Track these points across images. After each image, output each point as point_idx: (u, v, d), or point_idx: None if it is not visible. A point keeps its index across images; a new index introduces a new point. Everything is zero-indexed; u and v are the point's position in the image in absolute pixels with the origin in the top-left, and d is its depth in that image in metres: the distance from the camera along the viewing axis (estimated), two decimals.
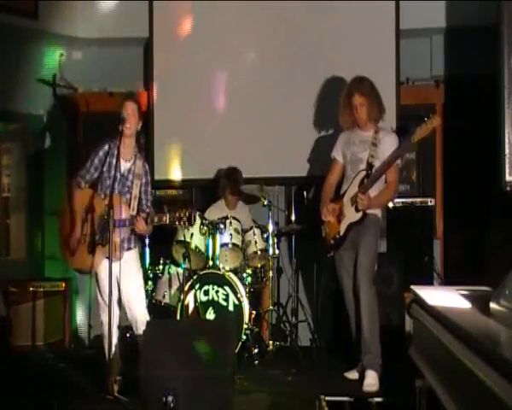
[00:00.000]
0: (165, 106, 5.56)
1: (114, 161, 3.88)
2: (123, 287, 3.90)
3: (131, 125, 3.89)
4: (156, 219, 3.82)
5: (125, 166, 3.92)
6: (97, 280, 3.92)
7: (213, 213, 5.07)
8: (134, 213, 3.90)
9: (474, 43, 5.14)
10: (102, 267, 3.83)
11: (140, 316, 3.93)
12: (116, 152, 3.85)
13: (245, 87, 5.49)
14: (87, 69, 5.84)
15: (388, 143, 4.11)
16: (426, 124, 3.84)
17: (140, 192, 3.97)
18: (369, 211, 4.07)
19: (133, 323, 3.98)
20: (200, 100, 5.52)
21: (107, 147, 3.93)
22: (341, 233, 4.15)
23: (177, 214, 3.74)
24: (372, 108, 4.13)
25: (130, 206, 3.90)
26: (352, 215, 4.10)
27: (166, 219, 3.77)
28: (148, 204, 4.05)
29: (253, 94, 5.47)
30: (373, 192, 4.06)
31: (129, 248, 3.95)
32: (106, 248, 3.69)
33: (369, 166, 4.09)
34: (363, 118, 4.14)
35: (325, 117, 5.23)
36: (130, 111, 3.89)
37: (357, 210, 4.07)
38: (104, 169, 3.91)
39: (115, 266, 3.66)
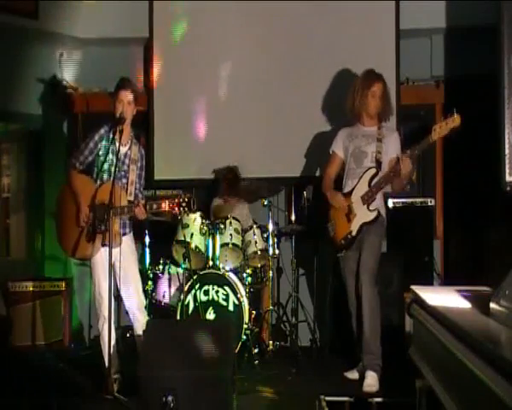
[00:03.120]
0: (165, 106, 5.56)
1: (110, 146, 3.85)
2: (119, 271, 3.86)
3: (128, 115, 3.89)
4: (155, 206, 3.78)
5: (121, 150, 3.89)
6: (92, 269, 3.90)
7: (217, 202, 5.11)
8: (131, 198, 3.90)
9: (474, 43, 5.14)
10: (99, 256, 3.83)
11: (137, 303, 3.95)
12: (112, 136, 3.84)
13: (245, 87, 5.48)
14: (87, 69, 5.84)
15: (392, 143, 4.12)
16: (446, 123, 3.74)
17: (134, 176, 3.98)
18: (379, 210, 4.05)
19: (129, 310, 3.97)
20: (200, 100, 5.51)
21: (102, 131, 3.93)
22: (354, 233, 4.08)
23: (176, 200, 3.70)
24: (387, 102, 4.14)
25: (127, 191, 3.90)
26: (364, 215, 4.05)
27: (166, 205, 3.73)
28: (141, 189, 4.06)
29: (253, 94, 5.46)
30: (379, 194, 4.06)
31: (124, 234, 3.95)
32: (104, 235, 3.69)
33: (378, 162, 4.05)
34: (377, 107, 4.11)
35: (325, 117, 5.23)
36: (126, 102, 3.89)
37: (369, 209, 4.03)
38: (100, 153, 3.91)
39: (112, 253, 3.65)
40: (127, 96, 3.90)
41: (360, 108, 4.16)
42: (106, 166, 3.88)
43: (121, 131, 3.83)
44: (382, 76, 4.18)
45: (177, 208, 3.70)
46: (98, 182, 3.89)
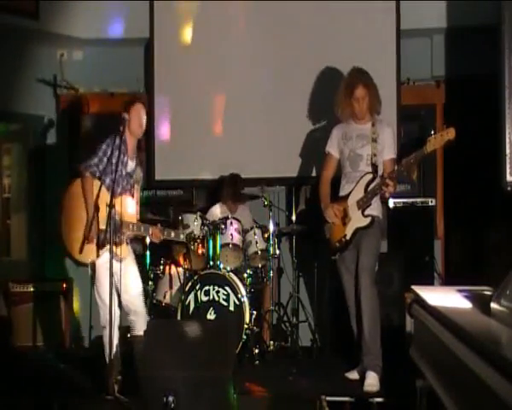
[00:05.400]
0: (165, 106, 5.56)
1: (122, 157, 3.83)
2: (121, 278, 3.87)
3: (144, 128, 3.96)
4: (173, 235, 3.92)
5: (129, 164, 3.94)
6: (96, 277, 3.89)
7: (214, 215, 5.07)
8: (138, 216, 3.95)
9: (474, 43, 5.14)
10: (103, 259, 3.81)
11: (139, 304, 3.96)
12: (119, 141, 3.81)
13: (245, 87, 5.48)
14: (88, 69, 5.85)
15: (387, 139, 4.11)
16: (441, 135, 3.75)
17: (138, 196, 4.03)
18: (373, 213, 4.06)
19: (129, 314, 3.96)
20: (201, 100, 5.51)
21: (118, 141, 3.83)
22: (348, 237, 4.09)
23: (192, 235, 3.88)
24: (373, 100, 4.11)
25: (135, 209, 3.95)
26: (358, 220, 4.05)
27: (183, 237, 3.89)
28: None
29: (253, 94, 5.46)
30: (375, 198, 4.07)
31: (127, 243, 3.97)
32: (116, 248, 3.68)
33: (373, 166, 4.06)
34: (363, 110, 4.11)
35: (325, 117, 5.23)
36: (142, 114, 3.93)
37: (364, 215, 4.04)
38: (113, 162, 3.85)
39: (116, 264, 3.66)
40: (143, 109, 3.96)
41: (347, 114, 4.18)
42: (115, 175, 3.82)
43: (123, 131, 3.83)
44: (364, 75, 4.12)
45: (192, 243, 4.00)
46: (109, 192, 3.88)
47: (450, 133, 3.74)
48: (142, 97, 4.04)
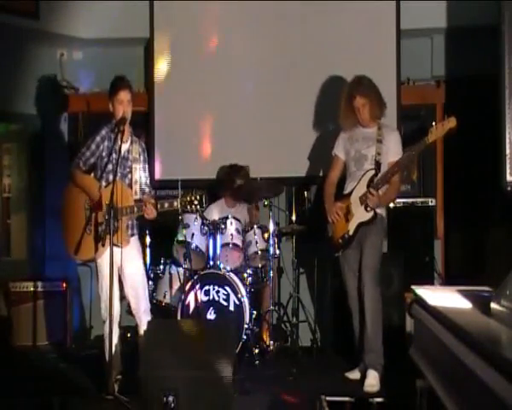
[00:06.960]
0: (165, 106, 5.56)
1: (113, 146, 3.83)
2: (127, 274, 3.88)
3: (129, 113, 3.90)
4: (167, 205, 3.80)
5: (123, 147, 3.89)
6: (98, 271, 3.89)
7: (213, 212, 5.07)
8: (137, 196, 3.90)
9: (474, 43, 5.14)
10: (106, 257, 3.81)
11: (144, 306, 3.95)
12: (114, 136, 3.83)
13: (245, 87, 5.49)
14: (88, 69, 5.85)
15: (392, 142, 4.13)
16: (442, 125, 3.78)
17: (137, 175, 3.98)
18: (376, 210, 4.06)
19: (136, 313, 3.96)
20: (201, 100, 5.51)
21: (104, 132, 3.91)
22: (351, 233, 4.11)
23: (188, 198, 3.72)
24: (374, 107, 4.13)
25: (131, 189, 3.90)
26: (361, 215, 4.07)
27: (178, 204, 3.76)
28: (148, 182, 4.05)
29: (253, 93, 5.47)
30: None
31: (132, 235, 3.96)
32: (114, 236, 3.64)
33: (377, 164, 4.08)
34: (366, 118, 4.15)
35: (326, 117, 5.23)
36: (126, 102, 3.89)
37: (366, 210, 4.05)
38: (103, 154, 3.89)
39: (117, 254, 3.66)
40: (127, 95, 3.91)
41: (350, 123, 4.22)
42: (110, 166, 3.87)
43: (123, 131, 3.83)
44: (362, 84, 4.13)
45: (188, 207, 3.72)
46: (104, 183, 3.88)
47: (451, 122, 3.78)
48: (127, 83, 3.99)
